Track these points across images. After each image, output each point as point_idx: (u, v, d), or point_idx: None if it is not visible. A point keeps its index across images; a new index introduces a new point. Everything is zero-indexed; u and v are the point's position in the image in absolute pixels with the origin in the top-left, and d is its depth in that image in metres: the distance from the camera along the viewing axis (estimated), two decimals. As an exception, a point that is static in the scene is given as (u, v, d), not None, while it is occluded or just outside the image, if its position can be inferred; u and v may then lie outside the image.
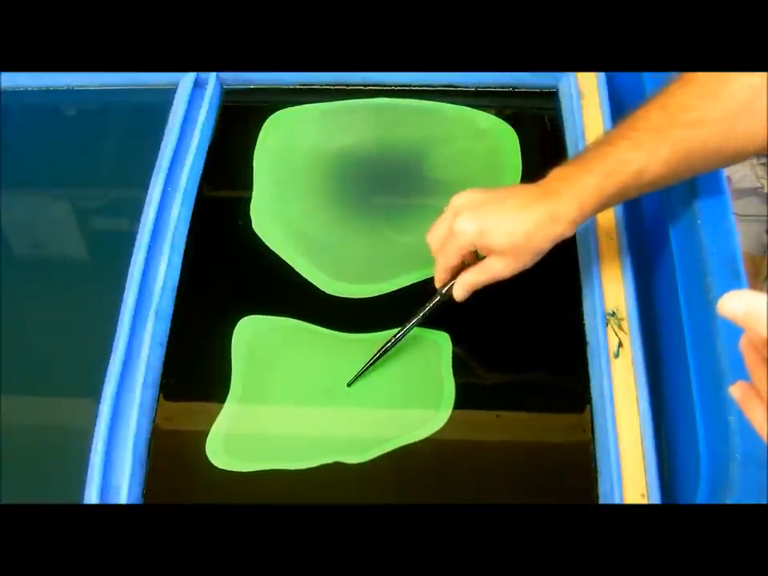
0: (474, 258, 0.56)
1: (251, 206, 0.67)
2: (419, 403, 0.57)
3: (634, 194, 0.55)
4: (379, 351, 0.58)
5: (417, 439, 0.55)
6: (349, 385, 0.58)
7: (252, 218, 0.67)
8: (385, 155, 0.70)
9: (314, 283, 0.63)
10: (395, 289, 0.63)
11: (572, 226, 0.54)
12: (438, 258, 0.57)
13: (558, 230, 0.53)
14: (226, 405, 0.57)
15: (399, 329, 0.58)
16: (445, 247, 0.56)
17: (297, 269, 0.64)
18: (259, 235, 0.66)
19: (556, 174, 0.55)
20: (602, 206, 0.54)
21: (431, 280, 0.59)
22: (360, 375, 0.58)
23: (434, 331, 0.60)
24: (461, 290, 0.57)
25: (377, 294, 0.62)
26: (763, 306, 0.33)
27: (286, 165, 0.70)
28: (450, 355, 0.59)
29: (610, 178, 0.53)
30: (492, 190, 0.56)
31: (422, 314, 0.58)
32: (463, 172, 0.69)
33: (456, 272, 0.57)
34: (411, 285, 0.63)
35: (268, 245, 0.65)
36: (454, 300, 0.57)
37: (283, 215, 0.67)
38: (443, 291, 0.58)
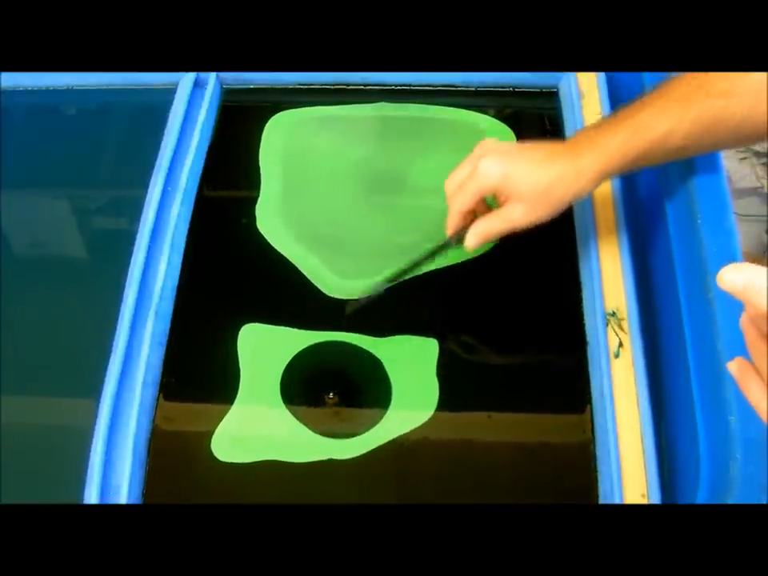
0: (486, 208, 0.57)
1: (257, 205, 0.67)
2: (404, 404, 0.57)
3: (658, 158, 0.55)
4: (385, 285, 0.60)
5: (398, 434, 0.56)
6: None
7: (257, 217, 0.67)
8: (387, 157, 0.70)
9: (315, 282, 0.63)
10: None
11: (593, 183, 0.54)
12: (453, 201, 0.57)
13: (580, 185, 0.54)
14: (235, 406, 0.57)
15: (402, 268, 0.60)
16: (463, 188, 0.56)
17: (300, 267, 0.64)
18: (263, 233, 0.66)
19: (579, 135, 0.56)
20: (625, 167, 0.55)
21: (426, 275, 0.60)
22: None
23: (422, 338, 0.60)
24: (474, 238, 0.56)
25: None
26: (763, 280, 0.32)
27: (291, 166, 0.70)
28: (436, 356, 0.59)
29: (633, 140, 0.53)
30: (517, 143, 0.58)
31: (429, 254, 0.59)
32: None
33: (467, 221, 0.57)
34: (411, 282, 0.63)
35: (272, 243, 0.65)
36: (463, 247, 0.58)
37: (289, 214, 0.67)
38: (454, 238, 0.58)
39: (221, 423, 0.57)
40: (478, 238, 0.56)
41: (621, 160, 0.54)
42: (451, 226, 0.58)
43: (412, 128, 0.72)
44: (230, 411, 0.57)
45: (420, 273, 0.61)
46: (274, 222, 0.66)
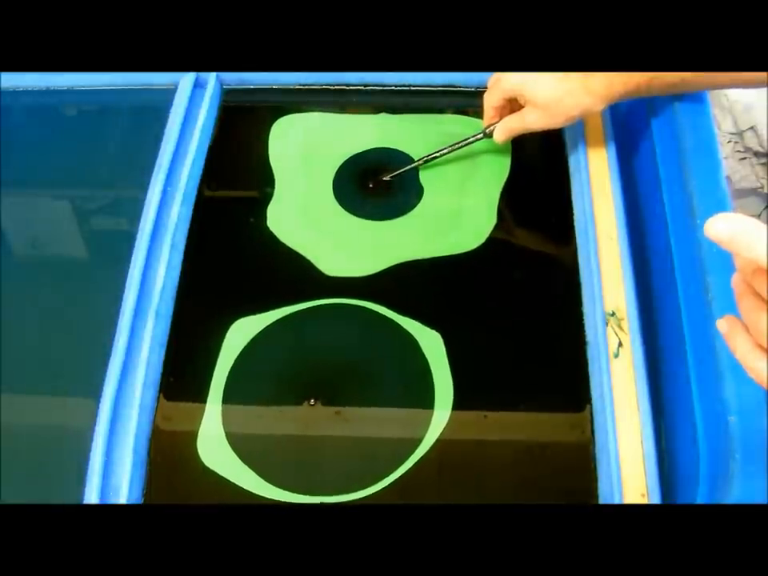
0: (519, 107, 0.65)
1: (270, 205, 0.67)
2: (412, 410, 0.57)
3: (660, 89, 0.62)
4: (412, 165, 0.68)
5: (417, 460, 0.55)
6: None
7: (268, 217, 0.67)
8: (389, 160, 0.71)
9: (318, 266, 0.63)
10: (393, 264, 0.64)
11: (600, 101, 0.61)
12: (485, 98, 0.67)
13: (588, 101, 0.61)
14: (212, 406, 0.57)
15: (434, 151, 0.68)
16: (491, 89, 0.66)
17: (316, 264, 0.64)
18: (275, 233, 0.66)
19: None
20: (629, 93, 0.61)
21: (423, 273, 0.63)
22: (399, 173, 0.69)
23: (428, 329, 0.60)
24: (500, 132, 0.66)
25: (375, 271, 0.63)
26: (751, 229, 0.32)
27: (307, 168, 0.70)
28: (445, 356, 0.59)
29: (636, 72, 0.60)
30: None
31: (463, 143, 0.68)
32: (458, 172, 0.70)
33: (499, 115, 0.66)
34: (407, 267, 0.64)
35: (284, 242, 0.65)
36: (493, 139, 0.67)
37: (305, 215, 0.67)
38: (486, 130, 0.67)
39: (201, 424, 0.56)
40: (503, 133, 0.66)
41: (625, 85, 0.60)
42: (486, 119, 0.67)
43: (410, 133, 0.73)
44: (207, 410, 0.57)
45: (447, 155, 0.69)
46: (289, 222, 0.66)
